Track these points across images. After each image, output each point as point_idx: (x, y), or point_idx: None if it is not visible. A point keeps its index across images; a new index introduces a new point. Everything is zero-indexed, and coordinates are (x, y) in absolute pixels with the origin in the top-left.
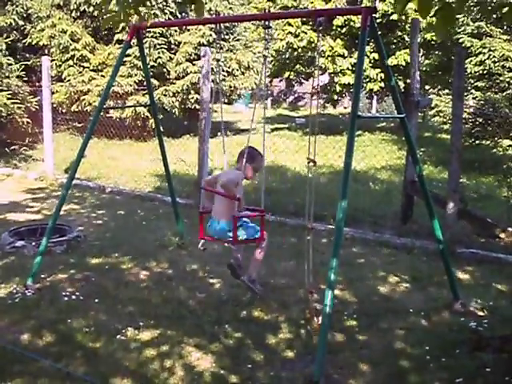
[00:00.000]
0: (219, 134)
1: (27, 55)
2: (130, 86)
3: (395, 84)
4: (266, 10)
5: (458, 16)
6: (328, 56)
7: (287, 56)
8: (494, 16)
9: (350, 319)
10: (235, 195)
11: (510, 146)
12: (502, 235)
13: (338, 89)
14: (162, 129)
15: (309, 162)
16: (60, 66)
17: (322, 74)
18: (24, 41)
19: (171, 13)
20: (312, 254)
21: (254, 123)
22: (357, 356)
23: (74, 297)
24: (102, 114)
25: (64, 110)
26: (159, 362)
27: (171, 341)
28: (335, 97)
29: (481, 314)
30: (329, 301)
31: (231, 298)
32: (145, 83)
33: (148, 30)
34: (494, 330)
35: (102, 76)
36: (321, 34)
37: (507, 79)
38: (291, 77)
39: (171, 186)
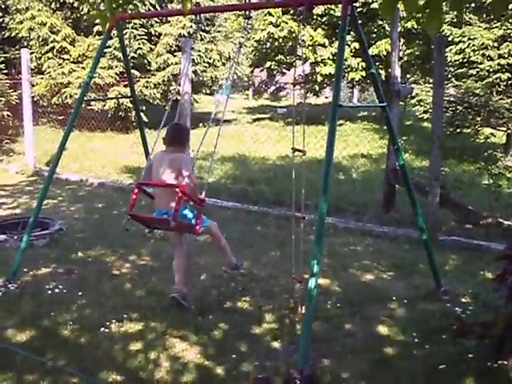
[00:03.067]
0: (201, 125)
1: (6, 48)
2: (111, 77)
3: (376, 72)
4: (247, 0)
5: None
6: (309, 45)
7: (268, 46)
8: (473, 5)
9: (334, 308)
10: (202, 199)
11: (491, 134)
12: (483, 222)
13: (320, 79)
14: (144, 120)
15: (294, 152)
16: (40, 58)
17: (303, 64)
18: (2, 33)
19: (151, 4)
20: (297, 244)
21: (235, 114)
22: (341, 344)
23: (57, 290)
24: (83, 106)
25: (45, 103)
26: (144, 354)
27: (155, 332)
28: (317, 87)
29: (463, 300)
30: (312, 289)
31: (215, 288)
32: (126, 74)
33: (128, 20)
34: (476, 316)
35: (82, 68)
36: (301, 24)
37: (487, 67)
38: (272, 67)
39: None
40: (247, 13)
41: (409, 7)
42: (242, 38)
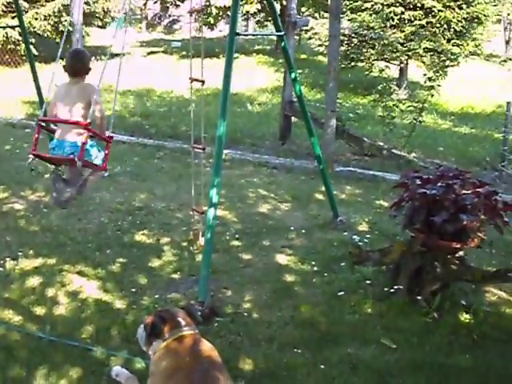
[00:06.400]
0: (93, 58)
1: None
2: None
3: (272, 1)
4: None
5: None
6: None
7: None
8: None
9: (233, 239)
10: (111, 136)
11: (386, 67)
12: (378, 153)
13: (215, 11)
14: (34, 53)
15: (192, 82)
16: None
17: None
18: None
19: None
20: (196, 176)
21: (128, 47)
22: (241, 275)
23: None
24: None
25: None
26: (41, 291)
27: (52, 269)
28: (211, 20)
29: (360, 229)
30: (211, 220)
31: (112, 223)
32: (13, 5)
33: None
34: (373, 244)
35: None
36: None
37: (381, 1)
38: None
39: (45, 111)
40: None
41: None
42: None
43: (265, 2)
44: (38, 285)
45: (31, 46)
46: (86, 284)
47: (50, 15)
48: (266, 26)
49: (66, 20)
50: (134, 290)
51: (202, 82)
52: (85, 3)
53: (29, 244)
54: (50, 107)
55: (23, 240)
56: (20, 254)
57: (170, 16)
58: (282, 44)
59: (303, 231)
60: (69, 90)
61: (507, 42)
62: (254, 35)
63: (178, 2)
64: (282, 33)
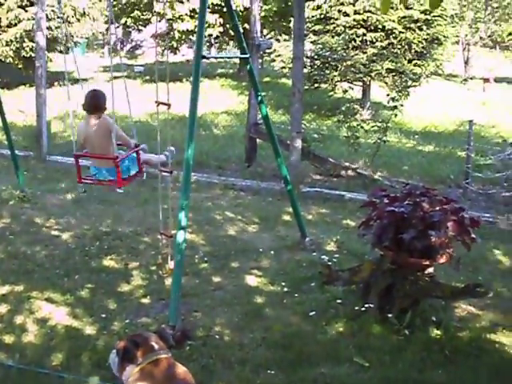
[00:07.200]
0: (56, 83)
1: None
2: None
3: (238, 24)
4: None
5: None
6: (167, 1)
7: (124, 1)
8: None
9: (201, 262)
10: (136, 144)
11: (350, 87)
12: (343, 173)
13: (177, 35)
14: None
15: (158, 105)
16: None
17: (159, 21)
18: None
19: None
20: (163, 200)
21: (91, 72)
22: (211, 297)
23: None
24: None
25: None
26: (9, 319)
27: (20, 296)
28: (174, 44)
29: (329, 249)
30: (181, 243)
31: (79, 248)
32: None
33: None
34: (342, 263)
35: None
36: None
37: (343, 23)
38: (129, 23)
39: (9, 137)
40: None
41: None
42: None
43: (227, 25)
44: (5, 312)
45: None
46: (55, 310)
47: (11, 41)
48: (225, 49)
49: (28, 46)
50: (103, 315)
51: (169, 105)
52: (47, 28)
53: None
54: (78, 140)
55: None
56: None
57: (132, 41)
58: (248, 66)
59: (272, 252)
60: (90, 127)
61: (466, 62)
62: (220, 58)
63: (140, 27)
64: (247, 55)
